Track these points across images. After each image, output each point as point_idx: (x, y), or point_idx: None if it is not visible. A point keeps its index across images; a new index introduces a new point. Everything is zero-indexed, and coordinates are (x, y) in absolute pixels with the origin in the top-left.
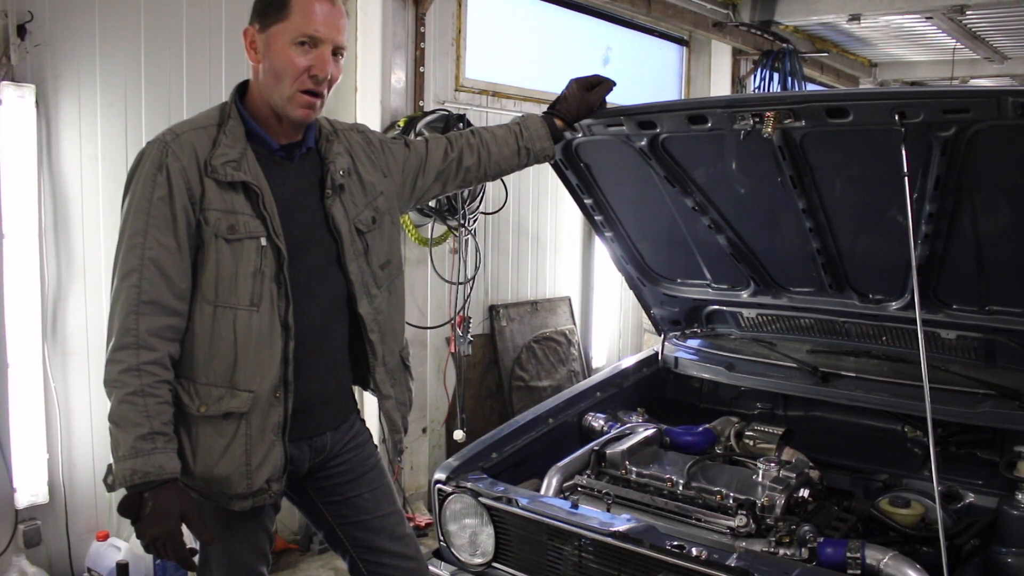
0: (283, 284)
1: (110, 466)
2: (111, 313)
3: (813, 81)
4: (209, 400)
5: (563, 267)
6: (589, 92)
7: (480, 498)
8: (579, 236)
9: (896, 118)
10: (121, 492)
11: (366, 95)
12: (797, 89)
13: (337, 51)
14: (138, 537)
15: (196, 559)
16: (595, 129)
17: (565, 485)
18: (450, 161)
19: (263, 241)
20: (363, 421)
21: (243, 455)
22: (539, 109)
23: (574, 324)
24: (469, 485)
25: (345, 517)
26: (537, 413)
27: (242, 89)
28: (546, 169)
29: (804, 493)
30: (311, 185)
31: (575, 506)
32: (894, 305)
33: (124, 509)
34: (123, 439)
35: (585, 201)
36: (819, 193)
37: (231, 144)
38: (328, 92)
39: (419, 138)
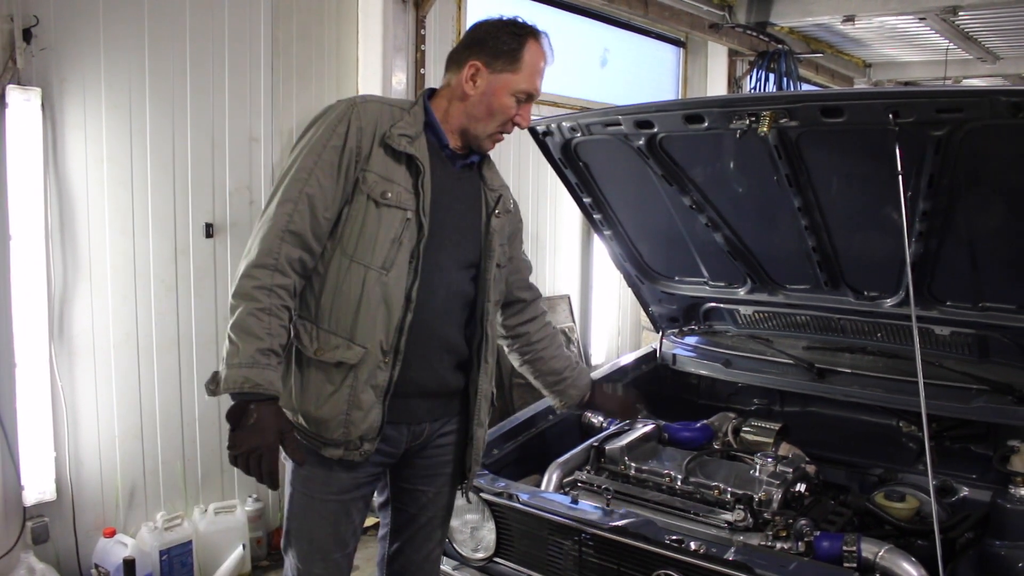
0: (416, 259)
1: (215, 373)
2: (257, 231)
3: (808, 81)
4: (327, 347)
5: (562, 265)
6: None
7: (481, 494)
8: (578, 234)
9: (890, 117)
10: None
11: None
12: (792, 89)
13: None
14: (233, 448)
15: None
16: (594, 128)
17: (565, 481)
18: (520, 291)
19: (409, 215)
20: (463, 426)
21: (345, 404)
22: (537, 109)
23: (573, 322)
24: None
25: (401, 503)
26: (537, 410)
27: (430, 94)
28: (546, 168)
29: (801, 488)
30: (465, 193)
31: (575, 501)
32: (889, 302)
33: (230, 416)
34: (244, 348)
35: (584, 200)
36: (814, 191)
37: (410, 124)
38: None
39: (525, 255)
